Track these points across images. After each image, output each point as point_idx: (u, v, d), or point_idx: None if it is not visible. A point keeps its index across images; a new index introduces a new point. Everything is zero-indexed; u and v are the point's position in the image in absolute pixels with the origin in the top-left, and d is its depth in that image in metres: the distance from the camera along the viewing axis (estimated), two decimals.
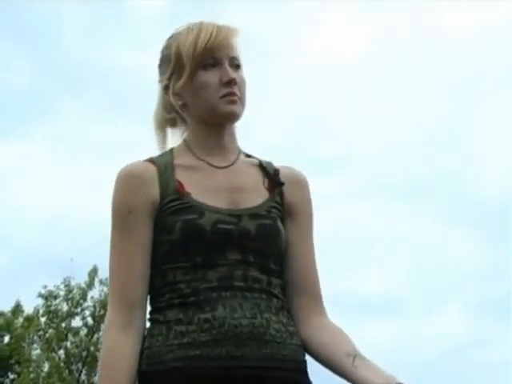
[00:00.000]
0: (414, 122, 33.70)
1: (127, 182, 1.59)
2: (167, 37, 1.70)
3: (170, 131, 1.75)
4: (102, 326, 19.10)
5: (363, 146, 31.97)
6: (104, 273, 18.73)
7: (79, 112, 29.18)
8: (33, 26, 31.55)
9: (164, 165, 1.62)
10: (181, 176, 1.61)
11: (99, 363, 1.54)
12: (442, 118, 33.88)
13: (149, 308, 1.60)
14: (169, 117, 1.72)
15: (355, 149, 32.33)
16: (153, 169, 1.61)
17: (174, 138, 1.74)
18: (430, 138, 33.39)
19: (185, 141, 1.69)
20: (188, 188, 1.59)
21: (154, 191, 1.58)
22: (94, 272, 19.11)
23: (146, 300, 1.58)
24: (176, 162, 1.63)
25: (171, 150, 1.68)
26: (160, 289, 1.56)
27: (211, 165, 1.64)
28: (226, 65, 1.63)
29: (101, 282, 19.26)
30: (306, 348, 1.60)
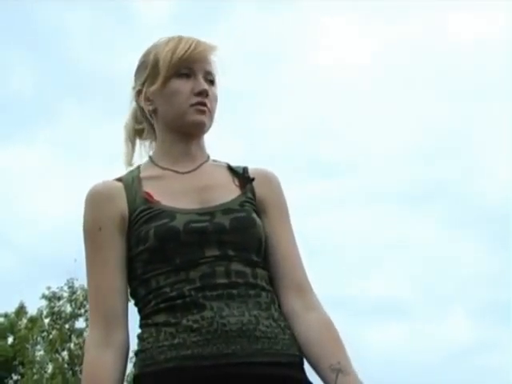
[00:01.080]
0: (418, 127, 33.71)
1: (94, 200, 1.62)
2: (146, 47, 1.72)
3: (138, 143, 1.77)
4: None
5: (368, 151, 31.96)
6: None
7: (82, 116, 29.26)
8: (37, 31, 31.71)
9: (131, 180, 1.65)
10: (148, 187, 1.63)
11: (82, 380, 1.54)
12: (447, 123, 33.85)
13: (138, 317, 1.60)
14: (138, 127, 1.75)
15: (360, 153, 32.35)
16: (119, 185, 1.64)
17: (143, 149, 1.77)
18: (435, 143, 33.39)
19: (150, 157, 1.72)
20: (156, 197, 1.61)
21: (122, 206, 1.60)
22: None
23: (126, 315, 1.59)
24: (142, 175, 1.66)
25: (138, 167, 1.71)
26: (145, 297, 1.57)
27: (176, 171, 1.66)
28: (200, 77, 1.66)
29: None
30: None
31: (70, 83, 30.10)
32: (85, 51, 30.77)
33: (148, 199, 1.60)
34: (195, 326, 1.50)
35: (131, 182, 1.64)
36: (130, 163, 1.74)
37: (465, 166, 33.79)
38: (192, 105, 1.64)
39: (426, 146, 33.19)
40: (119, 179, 1.66)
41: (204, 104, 1.64)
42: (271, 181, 1.71)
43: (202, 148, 1.71)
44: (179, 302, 1.52)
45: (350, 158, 31.97)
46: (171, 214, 1.57)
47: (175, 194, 1.62)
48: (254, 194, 1.67)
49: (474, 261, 31.39)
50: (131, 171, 1.70)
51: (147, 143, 1.77)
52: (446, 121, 34.31)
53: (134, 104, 1.75)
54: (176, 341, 1.50)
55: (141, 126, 1.75)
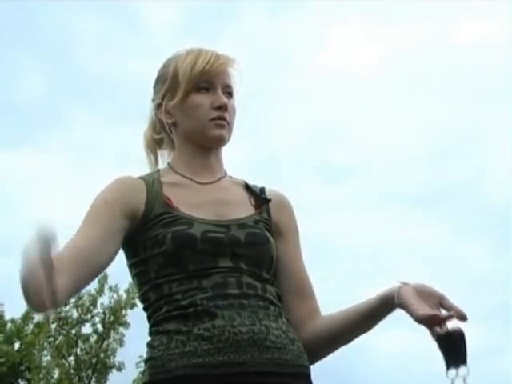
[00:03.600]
0: (425, 129, 33.65)
1: (115, 185, 1.63)
2: (165, 59, 1.74)
3: (159, 153, 1.79)
4: (112, 333, 19.21)
5: (376, 154, 31.96)
6: (114, 279, 18.77)
7: (93, 122, 29.31)
8: (47, 38, 31.74)
9: (152, 181, 1.66)
10: (168, 192, 1.64)
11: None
12: (454, 125, 33.85)
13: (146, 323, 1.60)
14: (157, 137, 1.76)
15: (369, 156, 32.36)
16: (141, 182, 1.66)
17: (162, 159, 1.78)
18: (442, 145, 33.38)
19: (169, 163, 1.74)
20: (175, 203, 1.62)
21: (139, 200, 1.61)
22: (103, 279, 19.13)
23: (93, 266, 1.53)
24: (162, 179, 1.67)
25: (158, 171, 1.73)
26: (156, 302, 1.57)
27: (196, 182, 1.68)
28: (219, 90, 1.68)
29: (111, 288, 19.32)
30: (326, 337, 1.64)
31: (81, 89, 30.17)
32: (95, 57, 30.84)
33: (168, 203, 1.61)
34: (206, 334, 1.50)
35: (152, 183, 1.65)
36: None
37: (472, 168, 33.72)
38: (211, 119, 1.66)
39: (433, 148, 33.15)
40: (140, 177, 1.68)
41: (223, 118, 1.66)
42: (287, 207, 1.75)
43: (220, 161, 1.74)
44: (191, 310, 1.53)
45: (356, 161, 31.99)
46: (189, 221, 1.59)
47: (194, 204, 1.63)
48: (269, 215, 1.69)
49: (481, 264, 31.32)
50: (151, 173, 1.71)
51: (165, 153, 1.78)
52: (452, 123, 34.32)
53: (152, 114, 1.77)
54: (187, 349, 1.50)
55: (159, 136, 1.77)
